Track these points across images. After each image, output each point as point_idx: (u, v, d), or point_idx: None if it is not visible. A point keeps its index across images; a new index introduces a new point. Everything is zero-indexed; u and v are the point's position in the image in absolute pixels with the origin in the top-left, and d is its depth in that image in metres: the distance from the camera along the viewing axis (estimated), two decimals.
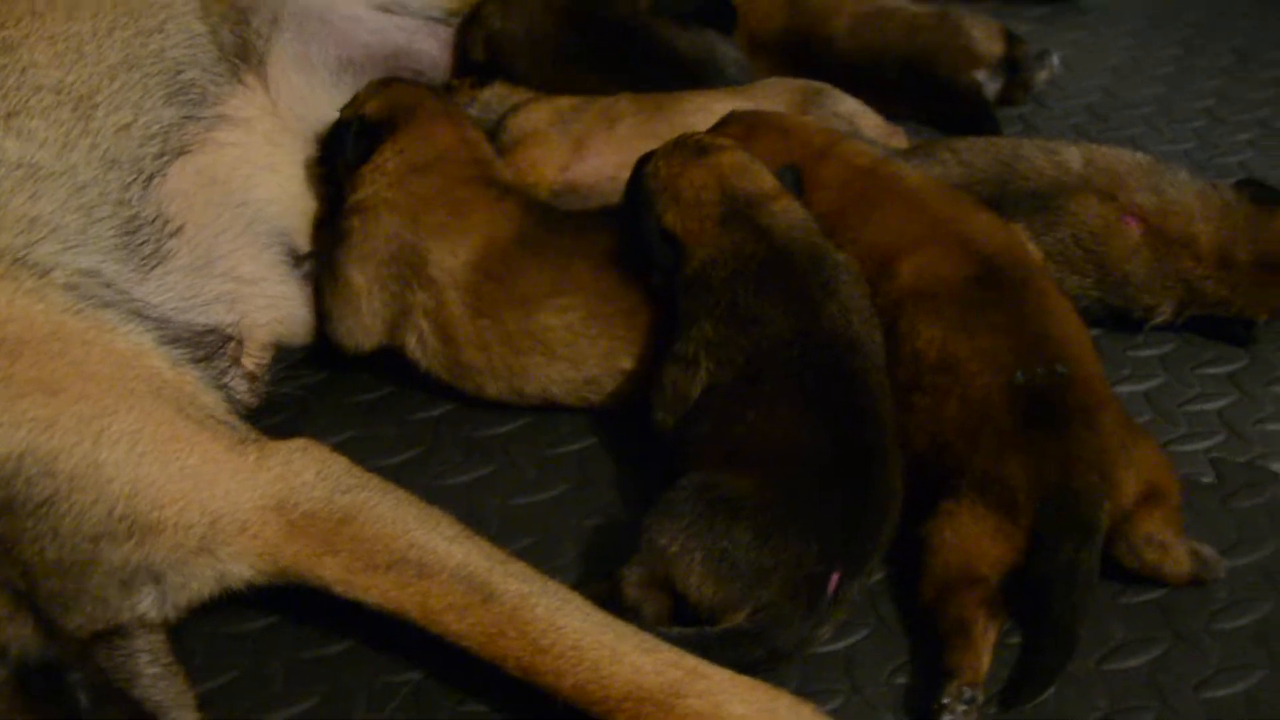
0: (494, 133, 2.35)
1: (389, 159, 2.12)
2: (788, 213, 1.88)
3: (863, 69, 2.66)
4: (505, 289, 1.99)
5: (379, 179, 2.10)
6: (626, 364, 1.98)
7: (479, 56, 2.58)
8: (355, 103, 2.25)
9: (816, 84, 2.46)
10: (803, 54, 2.71)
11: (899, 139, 2.42)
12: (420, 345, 2.03)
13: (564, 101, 2.41)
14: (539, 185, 2.26)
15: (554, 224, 2.05)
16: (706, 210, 1.87)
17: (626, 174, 2.13)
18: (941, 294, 1.82)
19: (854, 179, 2.00)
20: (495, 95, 2.50)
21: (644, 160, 1.96)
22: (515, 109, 2.41)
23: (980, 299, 1.80)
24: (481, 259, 2.00)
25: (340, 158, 2.18)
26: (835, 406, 1.71)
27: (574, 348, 1.98)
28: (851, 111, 2.41)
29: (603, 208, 2.14)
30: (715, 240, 1.85)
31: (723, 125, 2.11)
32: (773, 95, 2.39)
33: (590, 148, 2.31)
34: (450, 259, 2.01)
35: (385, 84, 2.27)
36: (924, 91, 2.69)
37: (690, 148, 1.93)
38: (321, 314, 2.11)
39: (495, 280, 1.99)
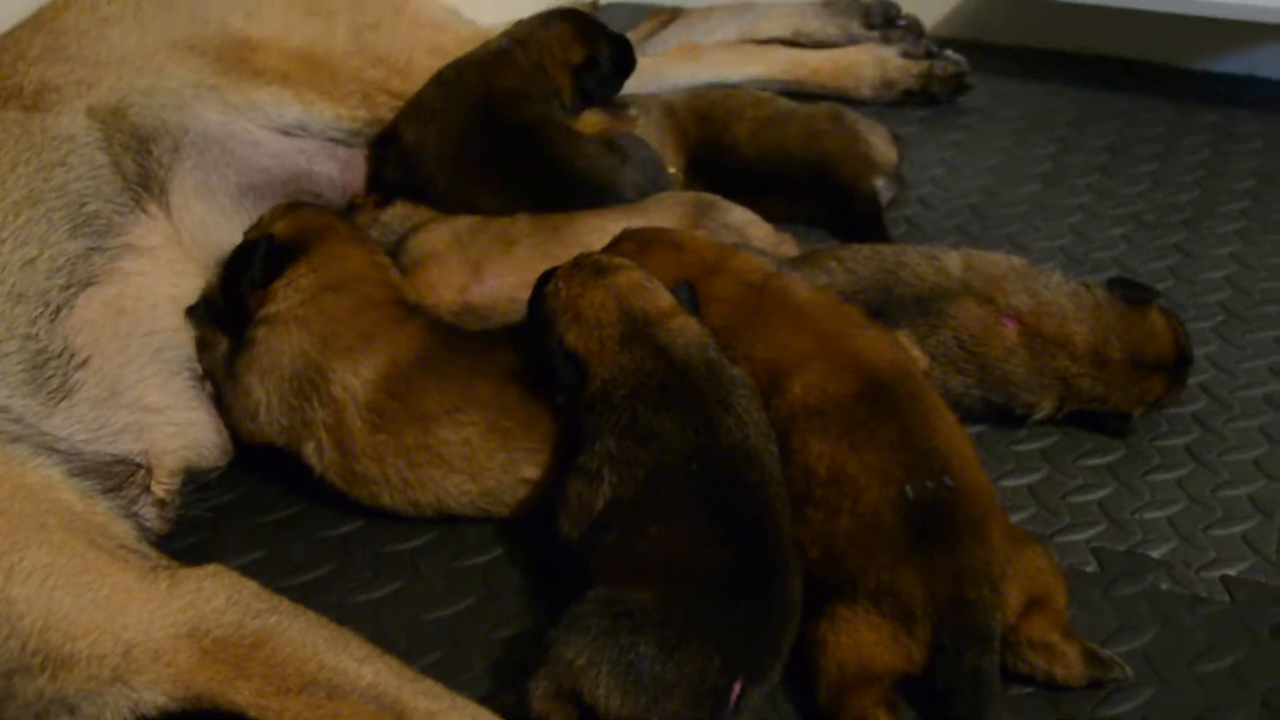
0: (394, 253, 2.39)
1: (303, 275, 2.16)
2: (684, 330, 1.94)
3: (766, 174, 2.78)
4: (406, 406, 2.04)
5: (292, 295, 2.15)
6: (527, 473, 2.04)
7: (392, 174, 2.62)
8: (260, 225, 2.30)
9: (707, 196, 2.55)
10: (713, 163, 2.81)
11: (788, 247, 2.50)
12: (317, 453, 2.08)
13: (462, 222, 2.46)
14: (439, 306, 2.31)
15: (457, 344, 2.11)
16: (607, 330, 1.93)
17: (526, 295, 2.18)
18: (830, 410, 1.88)
19: (745, 294, 2.06)
20: (396, 216, 2.55)
21: (544, 280, 2.02)
22: (414, 230, 2.46)
23: (868, 415, 1.86)
24: (384, 378, 2.05)
25: (246, 276, 2.21)
26: (735, 520, 1.77)
27: (471, 460, 2.03)
28: (741, 222, 2.49)
29: (507, 327, 2.20)
30: (616, 359, 1.91)
31: (617, 243, 2.18)
32: (665, 210, 2.47)
33: (488, 269, 2.37)
34: (352, 378, 2.06)
35: (292, 207, 2.32)
36: (825, 196, 2.79)
37: (589, 268, 1.99)
38: (221, 408, 2.17)
39: (396, 398, 2.04)
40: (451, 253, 2.39)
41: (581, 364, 1.93)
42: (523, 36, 2.69)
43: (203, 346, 2.22)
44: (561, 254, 2.31)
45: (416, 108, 2.63)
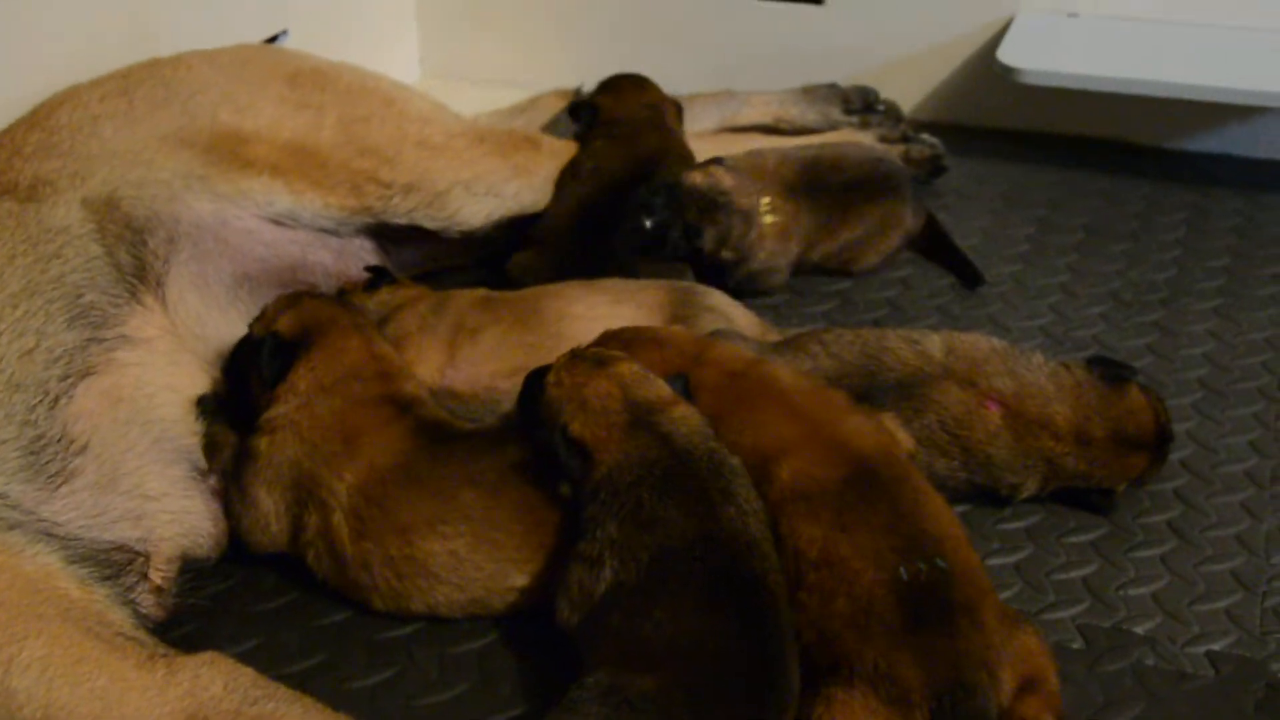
0: None
1: (301, 377, 2.19)
2: (687, 419, 1.97)
3: None
4: (386, 515, 2.04)
5: (290, 399, 2.17)
6: (518, 582, 2.04)
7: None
8: (265, 319, 2.31)
9: (684, 283, 2.60)
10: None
11: (771, 333, 2.54)
12: (316, 560, 2.10)
13: (424, 305, 2.52)
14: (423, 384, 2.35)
15: (442, 451, 2.09)
16: (613, 418, 1.95)
17: (502, 384, 2.27)
18: (818, 495, 1.90)
19: (729, 382, 2.09)
20: (381, 300, 2.57)
21: (539, 373, 2.04)
22: (392, 312, 2.51)
23: (857, 499, 1.88)
24: (363, 484, 2.06)
25: (255, 375, 2.24)
26: (737, 607, 1.78)
27: (459, 572, 2.03)
28: (723, 305, 2.53)
29: (503, 425, 2.18)
30: (622, 446, 1.93)
31: (600, 343, 2.20)
32: (644, 294, 2.51)
33: (461, 356, 2.41)
34: (337, 483, 2.07)
35: (295, 299, 2.34)
36: None
37: (589, 360, 2.02)
38: (231, 519, 2.18)
39: (376, 505, 2.05)
40: (424, 336, 2.44)
41: (587, 452, 1.95)
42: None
43: (212, 447, 2.24)
44: (533, 341, 2.40)
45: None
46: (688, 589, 1.80)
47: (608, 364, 2.00)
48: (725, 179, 2.83)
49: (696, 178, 2.82)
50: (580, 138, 3.08)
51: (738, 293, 2.71)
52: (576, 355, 2.04)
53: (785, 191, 2.90)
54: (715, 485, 1.89)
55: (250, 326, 2.33)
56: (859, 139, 3.37)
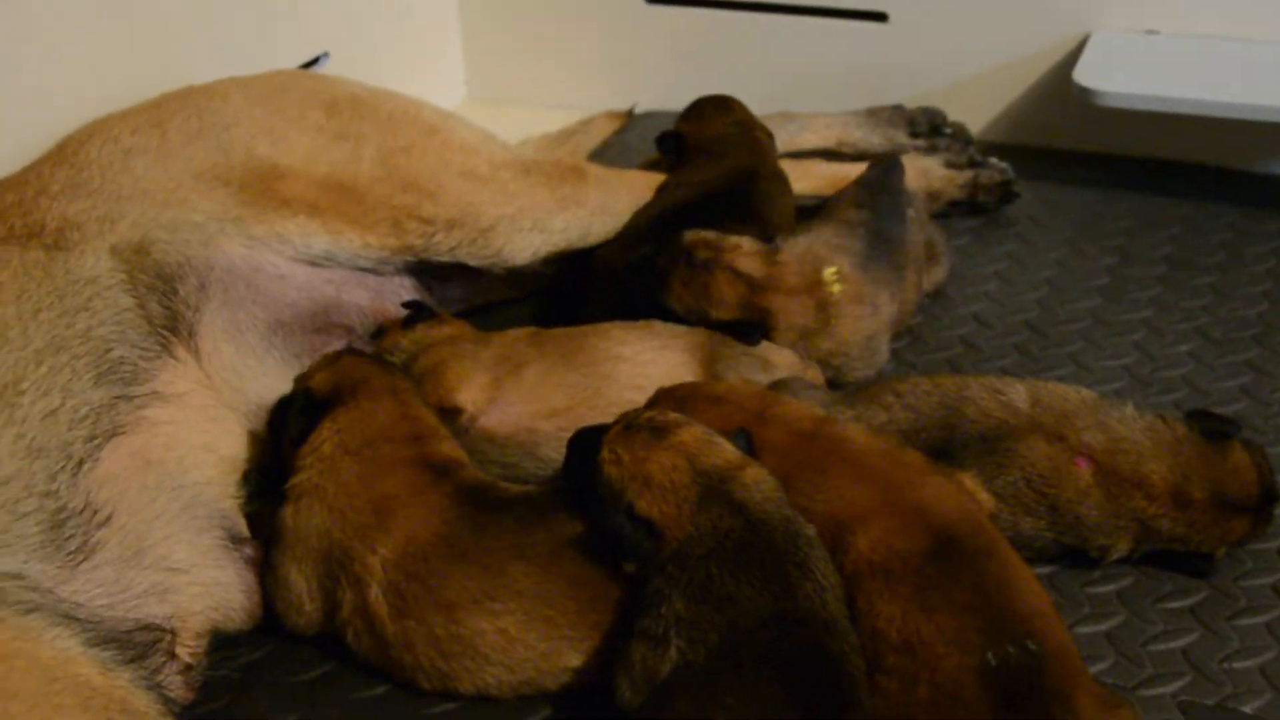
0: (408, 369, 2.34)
1: (326, 440, 2.06)
2: (760, 483, 1.82)
3: None
4: (429, 591, 1.90)
5: (315, 464, 2.04)
6: (573, 662, 1.89)
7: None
8: (308, 374, 2.21)
9: None
10: None
11: (814, 373, 2.40)
12: (356, 640, 1.97)
13: (466, 338, 2.42)
14: (461, 413, 2.25)
15: (488, 521, 1.94)
16: (683, 493, 1.80)
17: (542, 425, 2.14)
18: (898, 569, 1.76)
19: (797, 444, 1.95)
20: (418, 337, 2.46)
21: (587, 446, 1.89)
22: (426, 349, 2.40)
23: (939, 574, 1.74)
24: (401, 558, 1.92)
25: (285, 433, 2.13)
26: (816, 692, 1.64)
27: (509, 653, 1.89)
28: (761, 349, 2.38)
29: (551, 489, 2.03)
30: (694, 520, 1.79)
31: (652, 404, 2.07)
32: (680, 338, 2.38)
33: (501, 393, 2.27)
34: (371, 557, 1.93)
35: (336, 357, 2.23)
36: None
37: (646, 429, 1.87)
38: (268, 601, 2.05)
39: (418, 581, 1.90)
40: (464, 361, 2.33)
41: (657, 531, 1.80)
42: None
43: (256, 522, 2.12)
44: (576, 381, 2.27)
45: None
46: (763, 673, 1.65)
47: (668, 433, 1.85)
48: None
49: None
50: (672, 168, 2.96)
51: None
52: (631, 426, 1.89)
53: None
54: (793, 559, 1.75)
55: (295, 382, 2.23)
56: (925, 164, 3.20)
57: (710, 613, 1.71)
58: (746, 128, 3.06)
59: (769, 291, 2.45)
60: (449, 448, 2.11)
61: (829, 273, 2.50)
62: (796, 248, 2.52)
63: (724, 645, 1.68)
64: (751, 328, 2.41)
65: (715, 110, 3.10)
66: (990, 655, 1.66)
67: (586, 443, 1.91)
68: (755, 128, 3.07)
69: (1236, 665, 1.98)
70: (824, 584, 1.74)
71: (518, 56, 4.01)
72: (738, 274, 2.45)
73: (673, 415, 1.90)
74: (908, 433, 2.12)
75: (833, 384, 2.47)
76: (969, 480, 2.01)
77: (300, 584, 1.99)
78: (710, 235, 2.49)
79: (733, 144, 2.97)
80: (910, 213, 2.74)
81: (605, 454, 1.86)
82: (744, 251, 2.47)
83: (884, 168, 2.79)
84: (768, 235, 2.53)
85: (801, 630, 1.69)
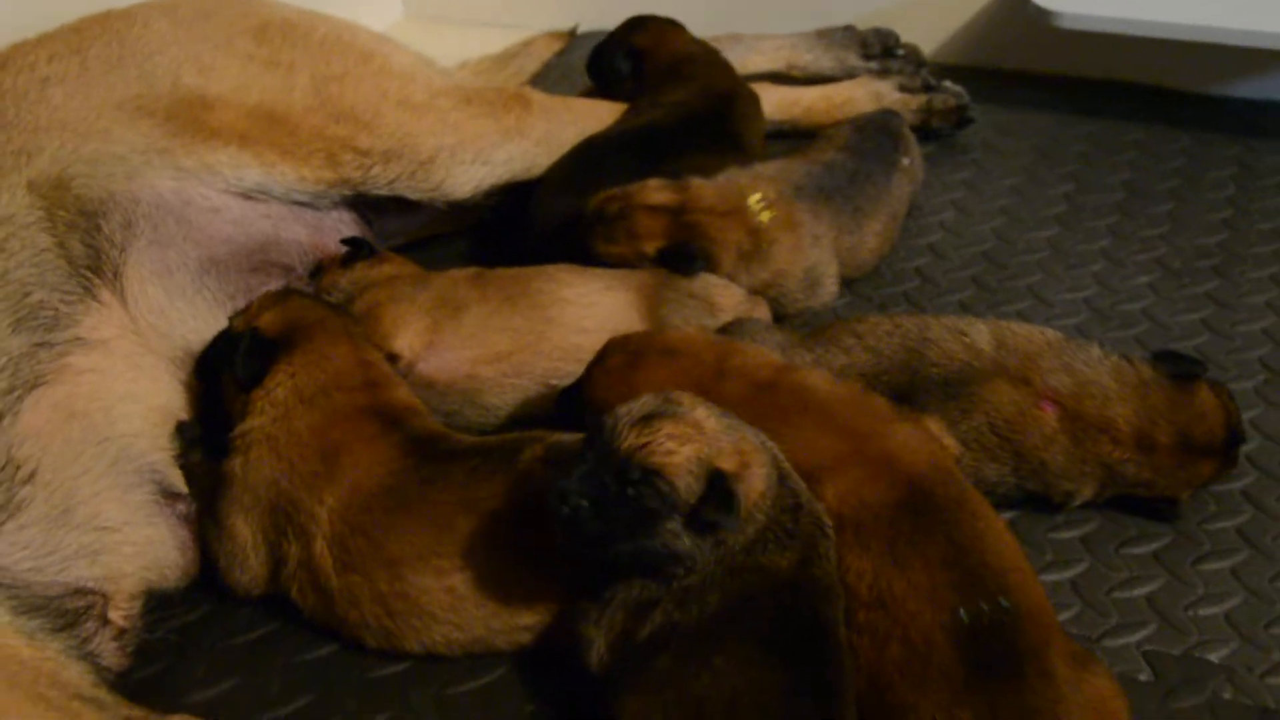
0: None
1: (280, 384, 1.96)
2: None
3: None
4: (374, 545, 1.82)
5: (267, 410, 1.95)
6: (527, 620, 1.82)
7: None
8: (248, 313, 2.09)
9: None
10: None
11: (761, 309, 2.33)
12: (301, 596, 1.89)
13: (405, 279, 2.32)
14: (399, 356, 2.17)
15: (436, 473, 1.86)
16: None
17: (483, 370, 2.08)
18: (869, 522, 1.70)
19: (757, 395, 1.86)
20: (357, 276, 2.37)
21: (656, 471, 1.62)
22: (364, 290, 2.30)
23: (911, 528, 1.68)
24: (346, 509, 1.84)
25: (227, 373, 2.02)
26: (803, 658, 1.59)
27: (457, 611, 1.81)
28: (705, 289, 2.30)
29: (508, 439, 1.93)
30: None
31: (603, 357, 1.98)
32: (625, 278, 2.30)
33: (440, 338, 2.19)
34: (318, 507, 1.85)
35: (283, 296, 2.12)
36: None
37: (667, 416, 1.65)
38: (210, 559, 1.96)
39: (362, 534, 1.82)
40: (401, 304, 2.23)
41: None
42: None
43: (191, 477, 2.02)
44: (520, 325, 2.20)
45: None
46: (756, 637, 1.59)
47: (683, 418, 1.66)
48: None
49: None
50: (633, 82, 2.90)
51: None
52: (650, 416, 1.64)
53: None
54: (819, 523, 1.69)
55: (230, 321, 2.11)
56: (878, 88, 3.11)
57: (725, 577, 1.63)
58: (708, 46, 2.97)
59: (690, 213, 2.38)
60: (404, 395, 2.03)
61: (754, 199, 2.44)
62: (717, 178, 2.49)
63: (723, 609, 1.61)
64: (686, 251, 2.34)
65: (672, 27, 3.01)
66: (963, 612, 1.62)
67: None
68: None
69: (1202, 612, 1.94)
70: (828, 553, 1.68)
71: None
72: (653, 207, 2.38)
73: (684, 400, 1.69)
74: (869, 376, 2.05)
75: (776, 317, 2.41)
76: (933, 425, 1.95)
77: (246, 536, 1.90)
78: (613, 190, 2.41)
79: (703, 64, 2.89)
80: (905, 161, 2.69)
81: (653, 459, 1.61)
82: (652, 187, 2.40)
83: (885, 113, 2.79)
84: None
85: (807, 598, 1.63)
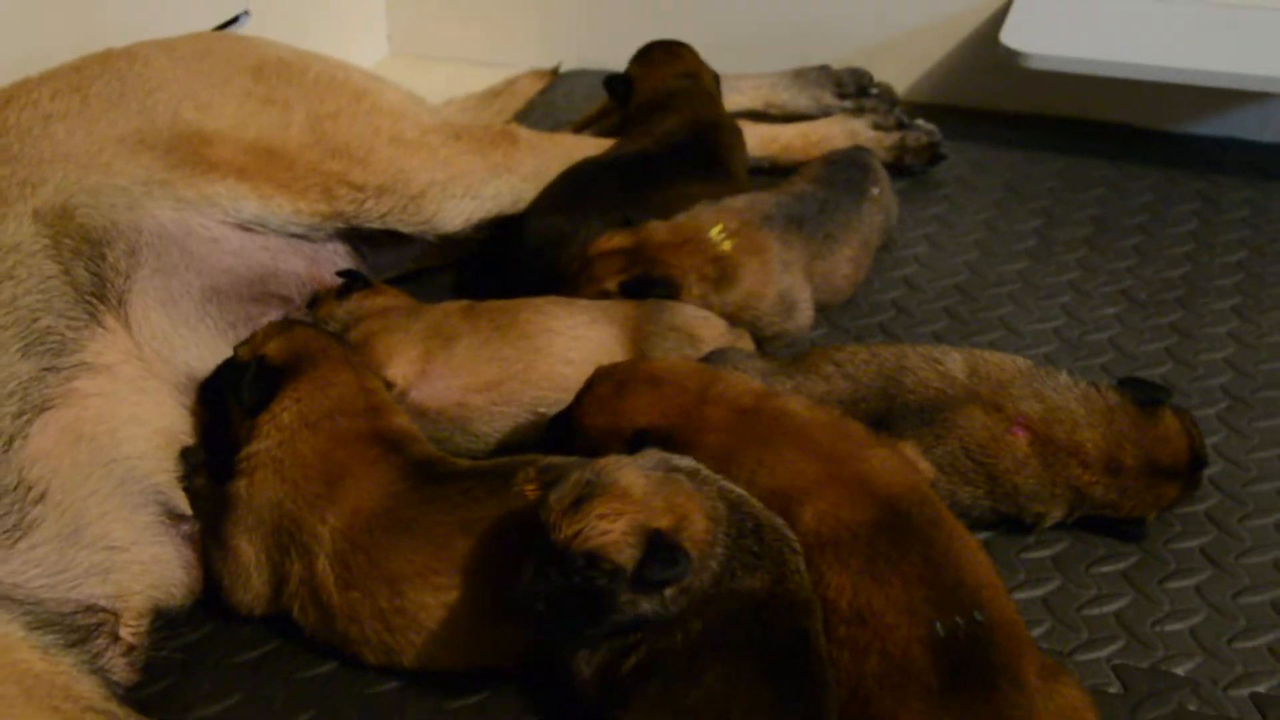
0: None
1: (286, 409, 2.03)
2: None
3: None
4: (374, 563, 1.88)
5: (273, 434, 2.01)
6: (520, 636, 1.85)
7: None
8: (253, 342, 2.16)
9: (653, 301, 2.42)
10: None
11: (744, 341, 2.40)
12: (303, 613, 1.95)
13: (398, 310, 2.39)
14: (393, 384, 2.23)
15: (434, 494, 1.92)
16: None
17: (473, 399, 2.13)
18: (847, 540, 1.77)
19: (739, 420, 1.94)
20: (351, 307, 2.44)
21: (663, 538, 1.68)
22: (358, 320, 2.38)
23: (889, 546, 1.76)
24: (348, 528, 1.90)
25: (234, 400, 2.09)
26: (791, 674, 1.65)
27: (454, 629, 1.87)
28: (687, 322, 2.36)
29: (497, 465, 1.99)
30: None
31: (592, 385, 2.06)
32: (609, 312, 2.37)
33: (432, 367, 2.26)
34: (320, 527, 1.91)
35: (287, 325, 2.19)
36: None
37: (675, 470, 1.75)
38: (213, 578, 2.02)
39: (362, 552, 1.89)
40: (395, 334, 2.30)
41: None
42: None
43: (195, 498, 2.08)
44: (509, 355, 2.27)
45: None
46: (744, 655, 1.66)
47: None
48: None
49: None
50: (622, 112, 3.01)
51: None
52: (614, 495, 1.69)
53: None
54: (786, 541, 1.76)
55: (236, 349, 2.17)
56: (852, 126, 3.21)
57: (703, 606, 1.69)
58: (696, 78, 3.06)
59: (644, 250, 2.48)
60: (403, 421, 2.10)
61: (715, 230, 2.53)
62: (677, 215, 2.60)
63: (706, 632, 1.67)
64: (644, 279, 2.43)
65: (665, 57, 3.11)
66: (939, 626, 1.69)
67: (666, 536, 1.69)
68: (704, 75, 3.09)
69: (1168, 628, 2.02)
70: (801, 567, 1.75)
71: (441, 12, 3.96)
72: (607, 253, 2.49)
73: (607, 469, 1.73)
74: (847, 403, 2.13)
75: (757, 345, 2.49)
76: (909, 450, 2.03)
77: (250, 556, 1.97)
78: (572, 251, 2.55)
79: (684, 96, 2.98)
80: (874, 191, 2.78)
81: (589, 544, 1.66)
82: (605, 237, 2.51)
83: (854, 149, 2.90)
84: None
85: (786, 613, 1.70)
